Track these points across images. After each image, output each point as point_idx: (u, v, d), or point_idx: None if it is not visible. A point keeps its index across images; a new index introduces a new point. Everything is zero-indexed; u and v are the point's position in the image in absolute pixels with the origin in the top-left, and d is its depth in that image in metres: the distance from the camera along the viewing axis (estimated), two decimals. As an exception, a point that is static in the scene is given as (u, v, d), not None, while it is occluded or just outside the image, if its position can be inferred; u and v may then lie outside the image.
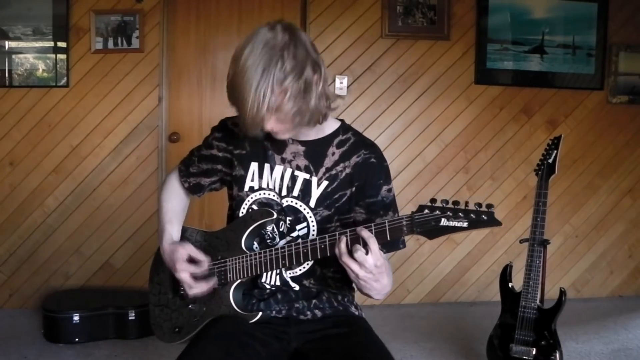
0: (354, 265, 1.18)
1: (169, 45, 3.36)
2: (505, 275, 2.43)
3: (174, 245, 1.44)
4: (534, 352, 2.28)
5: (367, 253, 1.17)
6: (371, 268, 1.17)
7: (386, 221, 1.18)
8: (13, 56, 3.25)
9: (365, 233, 1.17)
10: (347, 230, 1.21)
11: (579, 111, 3.65)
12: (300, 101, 1.23)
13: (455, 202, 1.12)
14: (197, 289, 1.40)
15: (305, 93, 1.23)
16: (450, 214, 1.12)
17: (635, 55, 3.64)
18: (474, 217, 1.11)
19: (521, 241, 2.45)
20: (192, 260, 1.41)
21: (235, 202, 1.46)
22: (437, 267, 3.63)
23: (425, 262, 3.61)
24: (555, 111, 3.63)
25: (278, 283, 1.44)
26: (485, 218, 1.10)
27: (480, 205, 1.11)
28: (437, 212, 1.12)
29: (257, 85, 1.18)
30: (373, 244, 1.16)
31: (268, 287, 1.44)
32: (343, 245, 1.19)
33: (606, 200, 3.73)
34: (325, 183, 1.39)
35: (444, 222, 1.12)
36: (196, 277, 1.40)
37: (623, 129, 3.70)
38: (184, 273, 1.39)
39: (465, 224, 1.11)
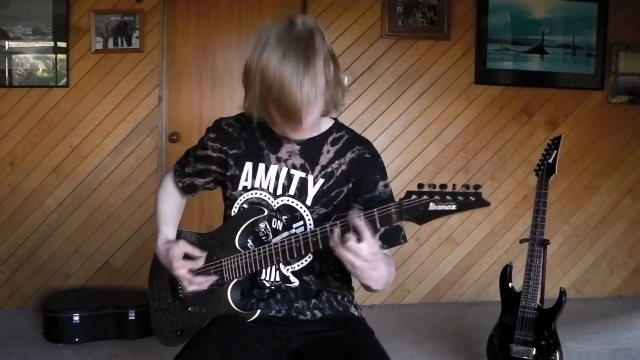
0: (349, 255, 1.17)
1: (169, 45, 3.36)
2: (505, 275, 2.43)
3: (168, 244, 1.44)
4: (534, 352, 2.27)
5: (360, 241, 1.16)
6: (367, 256, 1.16)
7: (375, 210, 1.18)
8: (13, 56, 3.25)
9: (357, 222, 1.17)
10: (338, 221, 1.21)
11: (579, 111, 3.65)
12: (334, 84, 1.26)
13: (443, 186, 1.12)
14: (195, 285, 1.40)
15: (337, 76, 1.27)
16: (438, 198, 1.11)
17: (635, 55, 3.64)
18: (461, 199, 1.10)
19: (521, 241, 2.45)
20: (187, 257, 1.41)
21: (229, 201, 1.46)
22: (437, 267, 3.63)
23: (425, 262, 3.61)
24: (555, 111, 3.63)
25: (278, 279, 1.43)
26: (473, 199, 1.10)
27: (467, 187, 1.11)
28: (425, 197, 1.12)
29: (302, 78, 1.17)
30: (366, 231, 1.16)
31: (268, 284, 1.44)
32: (336, 237, 1.19)
33: (606, 200, 3.73)
34: (321, 181, 1.39)
35: (432, 206, 1.12)
36: (194, 273, 1.40)
37: (623, 129, 3.70)
38: (181, 270, 1.39)
39: (453, 207, 1.11)
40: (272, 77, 1.18)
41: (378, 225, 1.17)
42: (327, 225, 1.23)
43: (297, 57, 1.18)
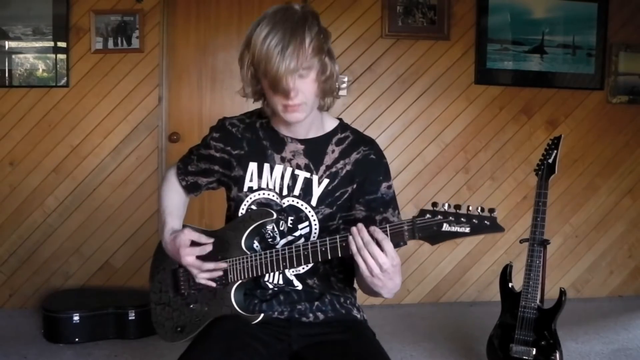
0: (371, 262, 1.17)
1: (169, 45, 3.36)
2: (505, 275, 2.43)
3: (175, 233, 1.43)
4: (534, 352, 2.28)
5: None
6: (388, 268, 1.17)
7: (387, 226, 1.18)
8: (13, 56, 3.25)
9: (379, 235, 1.17)
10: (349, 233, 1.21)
11: (579, 111, 3.65)
12: (325, 59, 1.26)
13: (457, 207, 1.11)
14: (206, 273, 1.38)
15: (330, 56, 1.27)
16: (452, 219, 1.10)
17: (635, 55, 3.64)
18: (476, 222, 1.10)
19: (521, 241, 2.45)
20: (195, 244, 1.39)
21: (235, 202, 1.45)
22: (437, 267, 3.63)
23: (425, 262, 3.61)
24: (555, 111, 3.63)
25: (281, 282, 1.43)
26: (488, 224, 1.09)
27: (482, 209, 1.10)
28: (439, 216, 1.11)
29: (288, 39, 1.19)
30: (387, 244, 1.17)
31: (271, 286, 1.44)
32: (361, 241, 1.18)
33: (606, 201, 3.73)
34: (326, 181, 1.39)
35: (445, 227, 1.11)
36: (203, 260, 1.38)
37: (623, 129, 3.70)
38: (190, 257, 1.37)
39: (467, 230, 1.10)
40: (260, 48, 1.21)
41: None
42: (337, 237, 1.23)
43: (285, 30, 1.20)
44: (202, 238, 1.39)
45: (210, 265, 1.37)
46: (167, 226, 1.48)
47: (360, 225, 1.19)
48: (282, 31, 1.20)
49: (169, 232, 1.46)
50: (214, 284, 1.39)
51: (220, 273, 1.38)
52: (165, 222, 1.49)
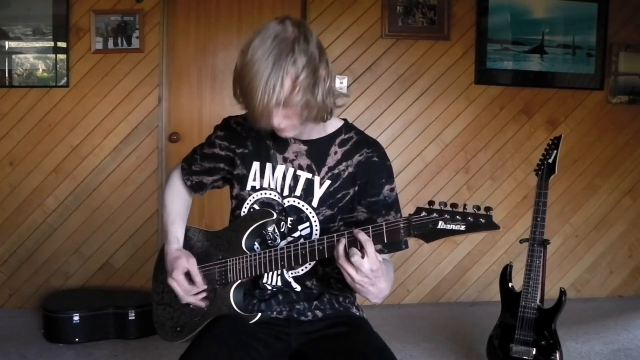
0: (350, 269, 1.17)
1: (169, 45, 3.36)
2: (505, 275, 2.44)
3: (180, 253, 1.45)
4: (534, 352, 2.28)
5: (363, 256, 1.16)
6: (367, 272, 1.17)
7: (383, 224, 1.17)
8: (13, 56, 3.25)
9: (362, 236, 1.17)
10: (345, 232, 1.21)
11: (579, 111, 3.65)
12: (309, 95, 1.21)
13: (453, 205, 1.11)
14: (186, 299, 1.42)
15: (314, 88, 1.22)
16: (448, 217, 1.11)
17: (635, 55, 3.64)
18: (471, 220, 1.10)
19: (521, 241, 2.45)
20: (188, 275, 1.42)
21: (237, 201, 1.46)
22: (437, 267, 3.63)
23: (425, 262, 3.61)
24: (555, 111, 3.63)
25: (279, 284, 1.44)
26: (483, 221, 1.09)
27: (478, 208, 1.10)
28: (435, 214, 1.11)
29: (267, 77, 1.16)
30: (369, 247, 1.16)
31: (269, 287, 1.44)
32: (341, 248, 1.19)
33: (606, 200, 3.73)
34: (327, 182, 1.39)
35: (441, 225, 1.11)
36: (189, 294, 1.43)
37: (623, 129, 3.70)
38: (175, 284, 1.41)
39: (462, 227, 1.10)
40: (244, 81, 1.20)
41: (385, 239, 1.17)
42: (335, 235, 1.23)
43: (267, 65, 1.17)
44: (197, 278, 1.41)
45: (191, 299, 1.42)
46: (171, 236, 1.50)
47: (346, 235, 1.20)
48: (265, 65, 1.17)
49: (174, 244, 1.49)
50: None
51: (199, 305, 1.43)
52: (169, 232, 1.51)
